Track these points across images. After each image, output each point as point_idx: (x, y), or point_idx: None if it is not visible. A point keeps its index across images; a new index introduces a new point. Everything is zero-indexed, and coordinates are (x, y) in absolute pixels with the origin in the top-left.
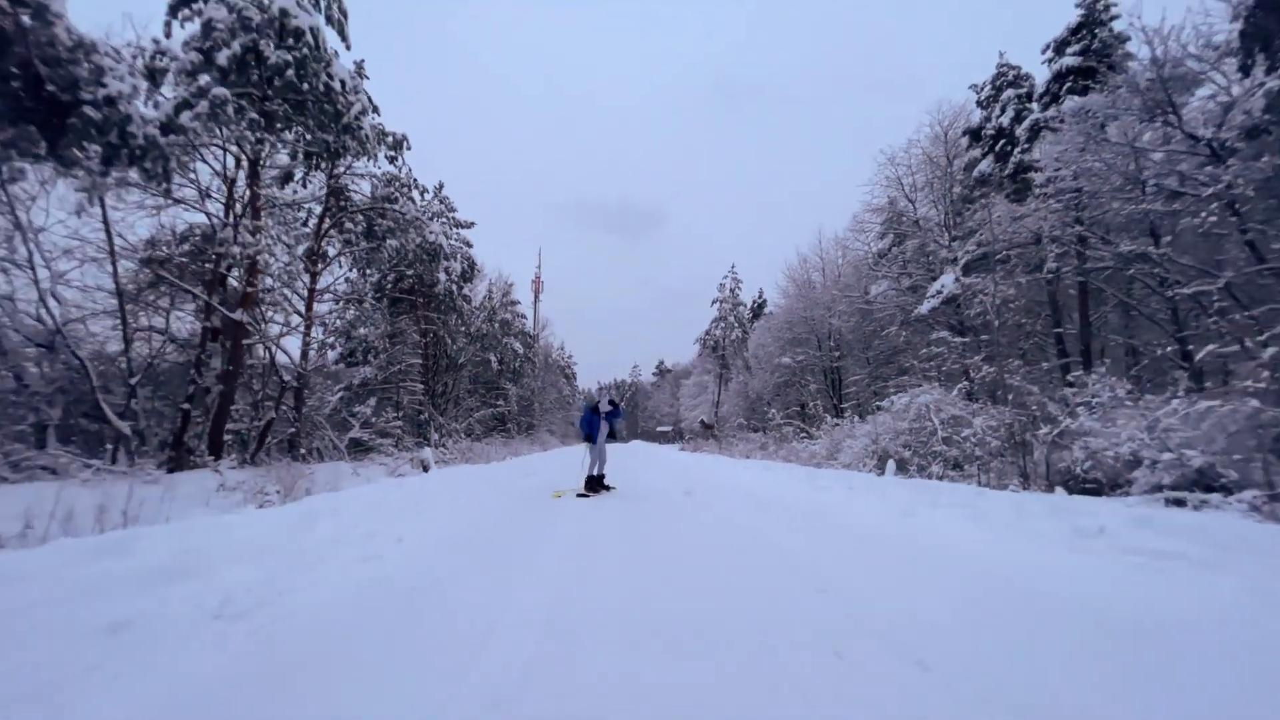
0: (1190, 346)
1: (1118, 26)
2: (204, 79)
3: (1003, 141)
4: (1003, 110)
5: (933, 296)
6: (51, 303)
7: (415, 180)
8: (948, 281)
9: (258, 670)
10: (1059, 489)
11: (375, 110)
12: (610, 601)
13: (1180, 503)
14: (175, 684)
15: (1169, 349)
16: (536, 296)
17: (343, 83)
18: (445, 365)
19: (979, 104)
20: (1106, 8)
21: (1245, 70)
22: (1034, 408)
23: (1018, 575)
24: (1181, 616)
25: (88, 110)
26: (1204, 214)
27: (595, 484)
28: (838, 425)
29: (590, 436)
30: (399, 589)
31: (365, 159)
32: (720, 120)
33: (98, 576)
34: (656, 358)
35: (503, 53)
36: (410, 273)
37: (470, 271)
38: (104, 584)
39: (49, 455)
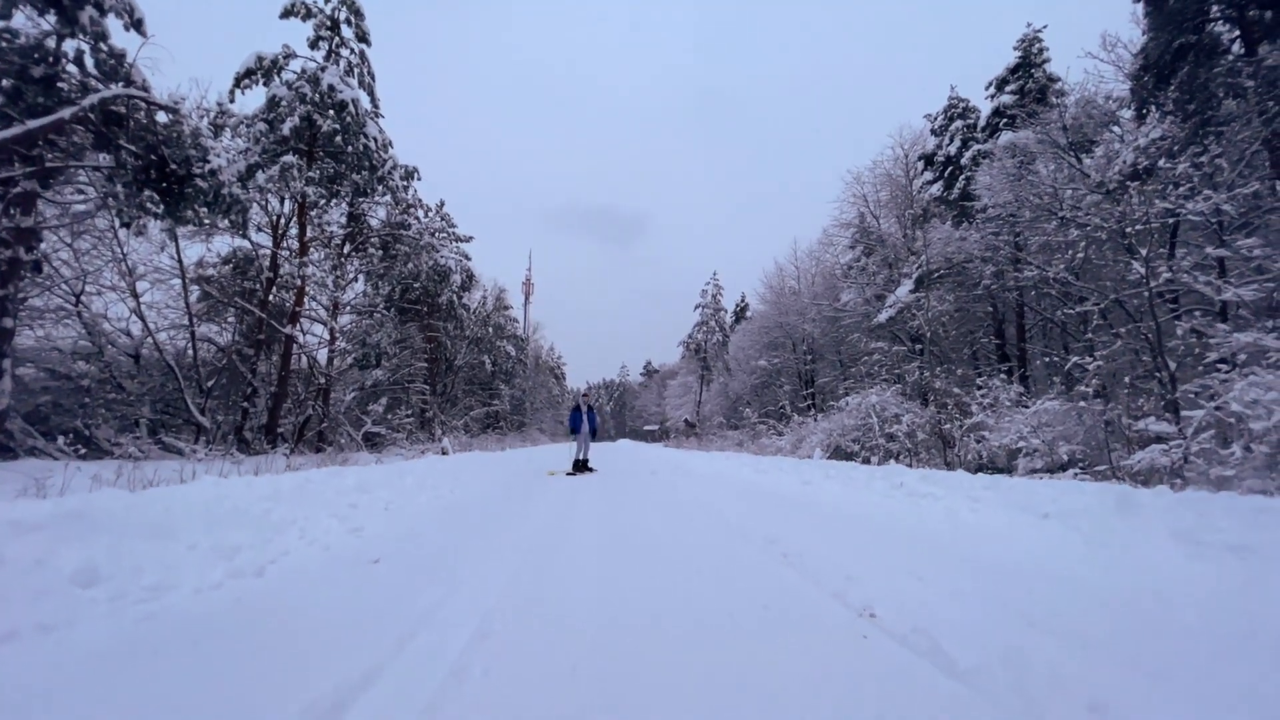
0: (1076, 358)
1: (1050, 69)
2: (265, 141)
3: (950, 168)
4: (951, 140)
5: (890, 307)
6: (135, 320)
7: (421, 200)
8: (902, 293)
9: (430, 524)
10: (960, 471)
11: (390, 145)
12: (588, 521)
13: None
14: (411, 518)
15: (1056, 358)
16: (527, 299)
17: (375, 139)
18: (445, 368)
19: (933, 132)
20: (1040, 51)
21: (1140, 119)
22: (952, 407)
23: (850, 510)
24: (914, 519)
25: (199, 181)
26: (1097, 244)
27: (580, 466)
28: (803, 423)
29: (576, 428)
30: (464, 506)
31: (389, 196)
32: (701, 131)
33: (345, 482)
34: (644, 358)
35: (487, 57)
36: (417, 285)
37: (469, 282)
38: (347, 486)
39: (160, 443)
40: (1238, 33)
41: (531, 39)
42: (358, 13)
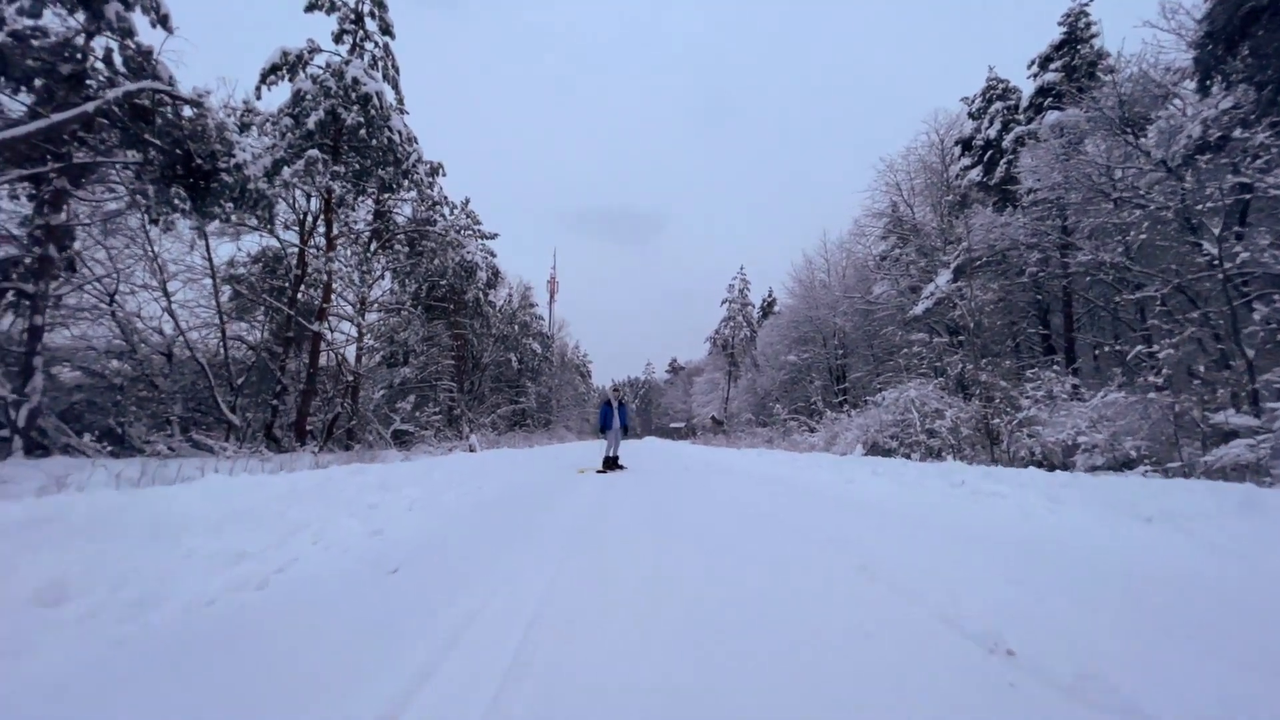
0: (1142, 346)
1: (1098, 44)
2: (292, 136)
3: (991, 152)
4: (990, 122)
5: (927, 298)
6: (167, 319)
7: (446, 197)
8: (941, 283)
9: (458, 524)
10: (1030, 468)
11: (415, 139)
12: (622, 513)
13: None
14: (439, 518)
15: (1109, 348)
16: (552, 297)
17: (400, 133)
18: (472, 365)
19: (970, 115)
20: (1088, 25)
21: (1204, 91)
22: (1000, 401)
23: (911, 510)
24: (984, 521)
25: (224, 175)
26: (1160, 224)
27: (611, 464)
28: (836, 419)
29: (606, 425)
30: (494, 504)
31: (414, 192)
32: (720, 127)
33: (367, 480)
34: (669, 355)
35: (505, 57)
36: (444, 282)
37: (495, 279)
38: (369, 483)
39: (192, 440)
40: None
41: (548, 40)
42: (381, 4)
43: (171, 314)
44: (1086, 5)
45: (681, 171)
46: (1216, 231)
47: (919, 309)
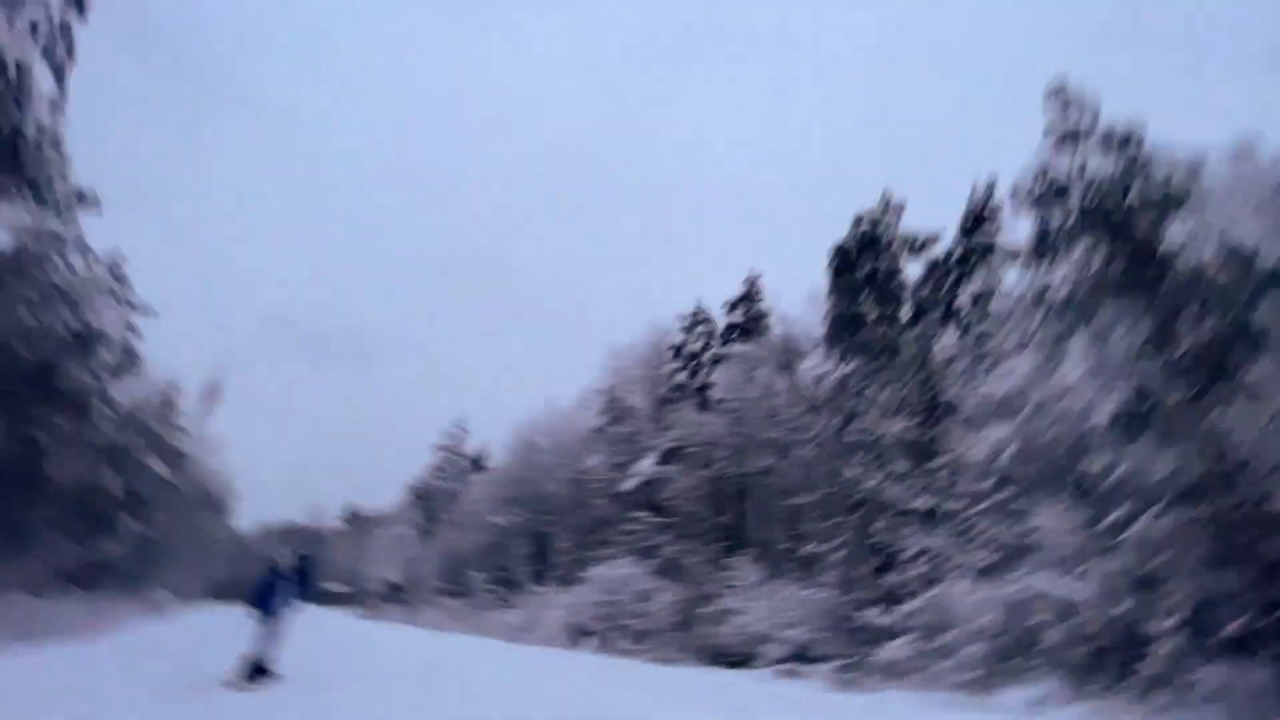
0: (814, 545)
1: (764, 306)
2: None
3: (694, 361)
4: (696, 339)
5: (633, 476)
6: None
7: (84, 241)
8: (646, 465)
9: None
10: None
11: (64, 148)
12: None
13: (790, 672)
14: None
15: (784, 545)
16: (209, 408)
17: (38, 122)
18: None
19: (683, 329)
20: (759, 286)
21: (828, 355)
22: (702, 587)
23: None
24: None
25: None
26: (805, 447)
27: (257, 670)
28: (537, 594)
29: (264, 605)
30: None
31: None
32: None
33: None
34: (351, 499)
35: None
36: (24, 354)
37: (128, 364)
38: None
39: None
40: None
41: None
42: None
43: None
44: (759, 277)
45: (407, 302)
46: (856, 459)
47: (627, 485)
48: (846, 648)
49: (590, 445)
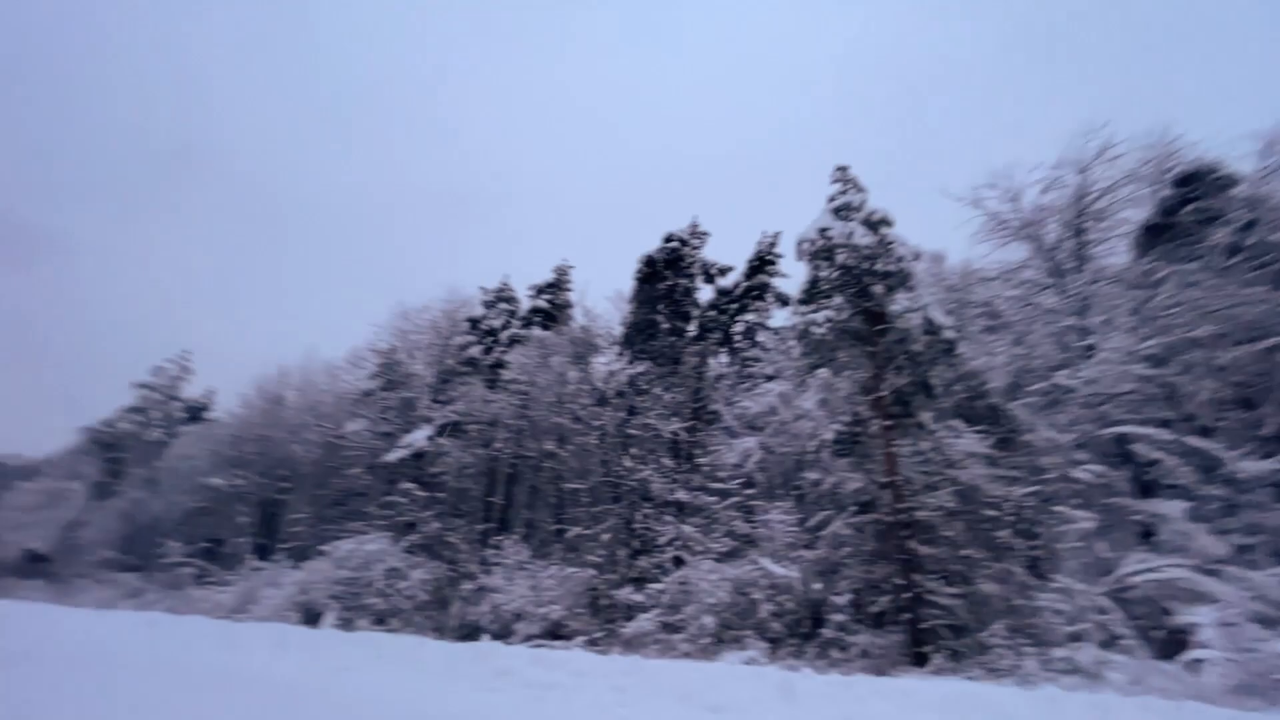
0: (581, 528)
1: (572, 296)
2: None
3: (490, 339)
4: (497, 316)
5: (403, 447)
6: None
7: None
8: (419, 437)
9: None
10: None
11: None
12: None
13: (543, 647)
14: None
15: (556, 526)
16: None
17: None
18: None
19: (484, 303)
20: (569, 276)
21: (622, 354)
22: (462, 565)
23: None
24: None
25: None
26: (588, 437)
27: None
28: (260, 569)
29: None
30: None
31: None
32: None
33: None
34: None
35: None
36: None
37: None
38: None
39: None
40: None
41: None
42: None
43: None
44: (571, 268)
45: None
46: (633, 451)
47: (393, 456)
48: (598, 624)
49: (354, 408)
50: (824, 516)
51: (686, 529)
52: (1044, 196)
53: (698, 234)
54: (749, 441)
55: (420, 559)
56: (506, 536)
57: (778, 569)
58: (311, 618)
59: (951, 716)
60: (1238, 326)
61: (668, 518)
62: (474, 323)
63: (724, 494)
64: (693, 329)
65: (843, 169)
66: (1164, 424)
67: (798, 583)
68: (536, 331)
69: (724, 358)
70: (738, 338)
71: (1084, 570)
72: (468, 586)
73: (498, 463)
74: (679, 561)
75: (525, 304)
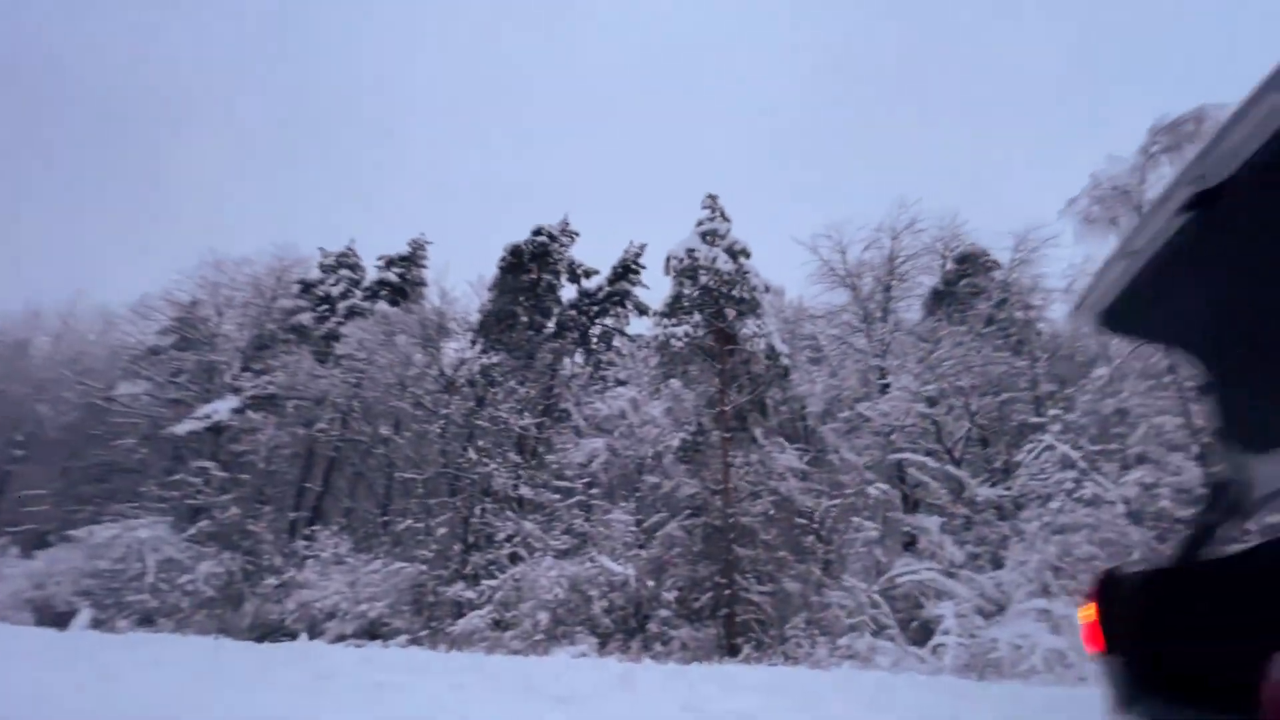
0: (412, 520)
1: (428, 274)
2: None
3: (325, 306)
4: (336, 283)
5: (200, 418)
6: None
7: None
8: (223, 408)
9: None
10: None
11: None
12: None
13: (359, 647)
14: None
15: (382, 518)
16: None
17: None
18: None
19: (321, 266)
20: (425, 252)
21: (476, 342)
22: (266, 558)
23: None
24: None
25: None
26: (430, 424)
27: None
28: None
29: None
30: None
31: None
32: None
33: None
34: None
35: None
36: None
37: None
38: None
39: None
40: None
41: None
42: None
43: None
44: (428, 241)
45: None
46: (480, 444)
47: (187, 427)
48: (423, 622)
49: (134, 367)
50: (660, 518)
51: (527, 525)
52: (865, 253)
53: (568, 232)
54: (596, 442)
55: (211, 549)
56: (323, 527)
57: (615, 567)
58: (56, 619)
59: (771, 696)
60: (986, 381)
61: (508, 514)
62: (307, 286)
63: (567, 492)
64: (552, 325)
65: (713, 197)
66: (930, 453)
67: (631, 580)
68: (382, 306)
69: (579, 358)
70: (595, 340)
71: (865, 571)
72: (270, 582)
73: (319, 445)
74: (516, 558)
75: (372, 275)
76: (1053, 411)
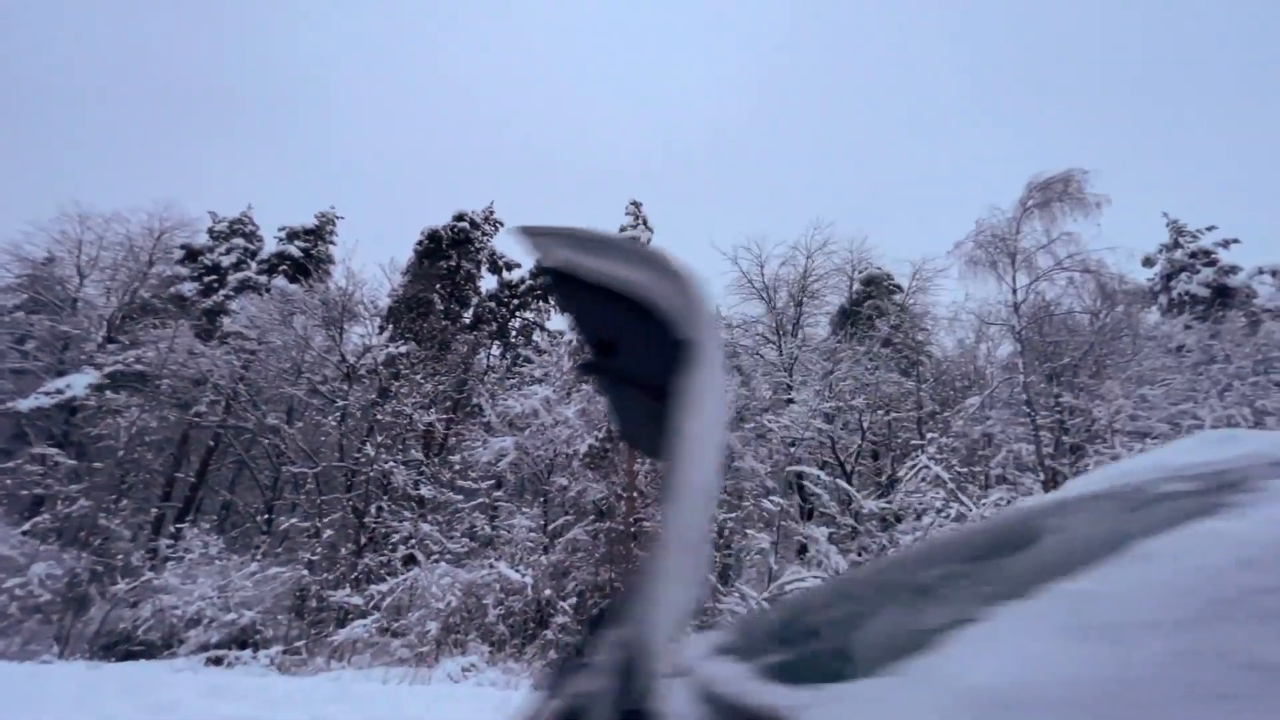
0: (296, 519)
1: (336, 251)
2: None
3: (213, 277)
4: (229, 252)
5: (47, 394)
6: None
7: None
8: (78, 383)
9: None
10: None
11: None
12: None
13: (218, 660)
14: None
15: (261, 515)
16: None
17: None
18: None
19: (211, 232)
20: (334, 227)
21: (384, 328)
22: (120, 557)
23: None
24: None
25: None
26: (326, 414)
27: None
28: None
29: None
30: None
31: None
32: None
33: None
34: None
35: None
36: None
37: None
38: None
39: None
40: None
41: None
42: None
43: None
44: (338, 216)
45: None
46: (377, 439)
47: (31, 404)
48: (301, 629)
49: None
50: (564, 521)
51: (425, 527)
52: (781, 268)
53: (492, 220)
54: (506, 441)
55: (51, 547)
56: (194, 524)
57: (514, 574)
58: None
59: None
60: (878, 399)
61: (406, 514)
62: (192, 253)
63: (471, 493)
64: (469, 316)
65: (636, 204)
66: (823, 465)
67: (530, 586)
68: (280, 282)
69: (496, 351)
70: (515, 333)
71: (758, 579)
72: (124, 585)
73: (197, 431)
74: (410, 561)
75: (271, 246)
76: (930, 435)
